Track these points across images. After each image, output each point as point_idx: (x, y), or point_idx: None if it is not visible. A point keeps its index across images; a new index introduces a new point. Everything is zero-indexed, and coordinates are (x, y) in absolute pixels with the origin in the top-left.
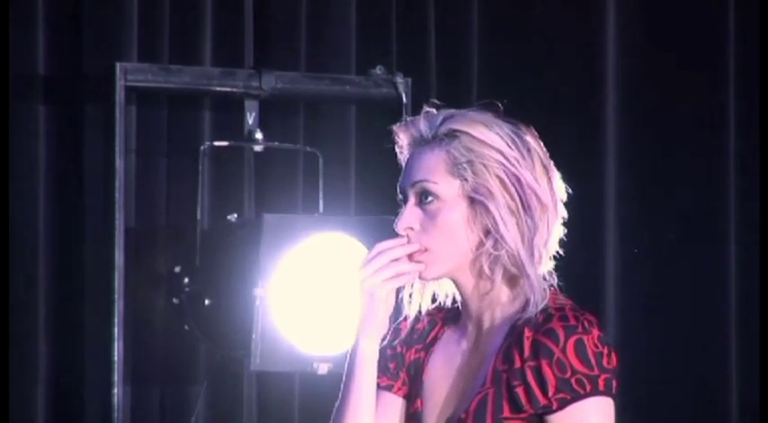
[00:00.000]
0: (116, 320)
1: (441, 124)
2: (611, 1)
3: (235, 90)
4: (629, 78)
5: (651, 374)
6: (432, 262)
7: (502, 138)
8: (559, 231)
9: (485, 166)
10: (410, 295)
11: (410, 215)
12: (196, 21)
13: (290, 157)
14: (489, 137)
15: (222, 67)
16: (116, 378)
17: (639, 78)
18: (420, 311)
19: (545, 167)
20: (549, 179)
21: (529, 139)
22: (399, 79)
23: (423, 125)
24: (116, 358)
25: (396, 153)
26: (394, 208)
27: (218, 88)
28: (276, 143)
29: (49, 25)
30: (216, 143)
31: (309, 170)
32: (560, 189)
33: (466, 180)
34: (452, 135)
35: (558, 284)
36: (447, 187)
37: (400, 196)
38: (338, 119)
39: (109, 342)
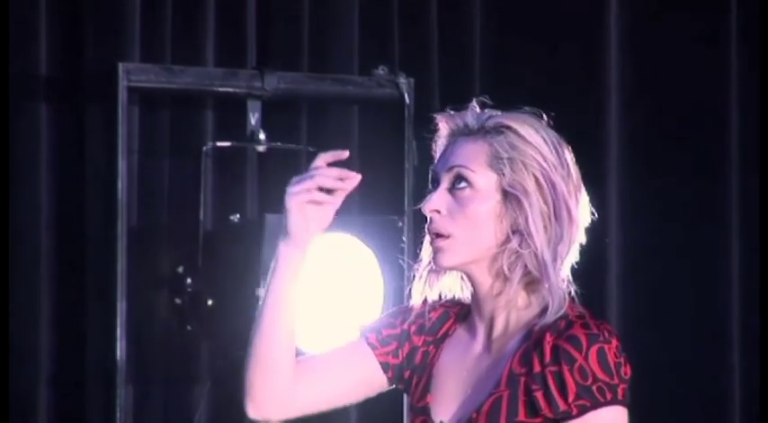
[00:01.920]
0: (119, 321)
1: (489, 118)
2: (613, 27)
3: (237, 90)
4: (631, 77)
5: (652, 377)
6: (452, 249)
7: (546, 142)
8: (575, 254)
9: (525, 165)
10: (421, 284)
11: (439, 199)
12: (198, 21)
13: (292, 158)
14: (535, 138)
15: (225, 68)
16: (119, 378)
17: (642, 76)
18: (440, 298)
19: (577, 186)
20: (578, 200)
21: (568, 154)
22: (402, 80)
23: (470, 117)
24: (119, 358)
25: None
26: (397, 208)
27: (220, 89)
28: (279, 143)
29: (51, 25)
30: (218, 144)
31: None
32: (586, 213)
33: (503, 175)
34: (499, 129)
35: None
36: (483, 178)
37: (431, 185)
38: (341, 119)
39: (112, 342)
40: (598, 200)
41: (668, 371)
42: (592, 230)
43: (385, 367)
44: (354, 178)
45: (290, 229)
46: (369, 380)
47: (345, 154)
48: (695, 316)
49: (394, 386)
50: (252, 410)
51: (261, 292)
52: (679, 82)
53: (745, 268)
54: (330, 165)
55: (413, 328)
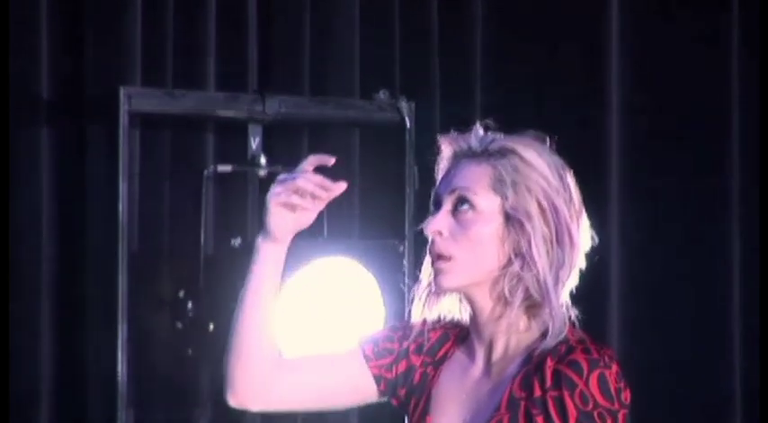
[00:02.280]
0: (120, 344)
1: (492, 141)
2: (614, 27)
3: (238, 115)
4: (632, 102)
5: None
6: (453, 271)
7: (549, 166)
8: (576, 278)
9: (528, 188)
10: (421, 305)
11: (442, 220)
12: (200, 45)
13: None
14: (538, 162)
15: (226, 92)
16: (120, 402)
17: (642, 87)
18: (439, 319)
19: (579, 211)
20: (580, 224)
21: (570, 178)
22: (403, 103)
23: (473, 139)
24: (120, 382)
25: (397, 176)
26: (397, 232)
27: (221, 113)
28: (280, 167)
29: (52, 50)
30: (220, 167)
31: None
32: (587, 238)
33: (506, 198)
34: (502, 152)
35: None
36: (486, 201)
37: (432, 207)
38: (342, 143)
39: (113, 366)
40: (599, 223)
41: (668, 397)
42: (592, 255)
43: (378, 379)
44: (334, 188)
45: (269, 227)
46: (358, 388)
47: (331, 160)
48: (696, 340)
49: (386, 399)
50: (230, 398)
51: None
52: (679, 87)
53: (746, 270)
54: (316, 169)
55: (411, 347)
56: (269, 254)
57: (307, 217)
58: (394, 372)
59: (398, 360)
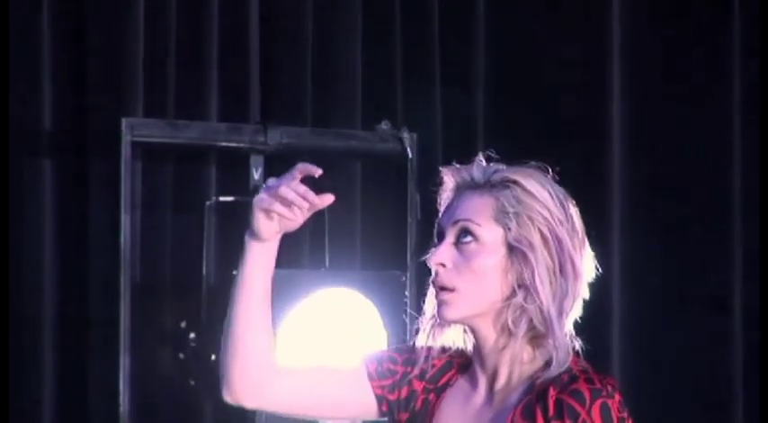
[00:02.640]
0: (122, 375)
1: (495, 172)
2: (616, 62)
3: (241, 145)
4: (633, 135)
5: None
6: (457, 303)
7: (552, 197)
8: (579, 309)
9: (531, 219)
10: (425, 336)
11: (445, 252)
12: (202, 76)
13: None
14: (541, 193)
15: (228, 123)
16: None
17: (644, 127)
18: (444, 348)
19: (582, 241)
20: (583, 254)
21: (573, 209)
22: (405, 134)
23: (476, 171)
24: (122, 413)
25: (398, 207)
26: (399, 263)
27: (224, 143)
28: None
29: (54, 79)
30: (222, 198)
31: (315, 225)
32: (590, 268)
33: (509, 229)
34: (505, 184)
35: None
36: (489, 232)
37: (435, 239)
38: (344, 174)
39: (115, 397)
40: (601, 253)
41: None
42: (595, 285)
43: (379, 399)
44: (316, 201)
45: (256, 228)
46: (359, 403)
47: (318, 171)
48: (697, 373)
49: (385, 419)
50: (225, 394)
51: None
52: (680, 133)
53: (747, 319)
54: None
55: (415, 372)
56: (257, 252)
57: (292, 222)
58: (396, 395)
59: (401, 383)
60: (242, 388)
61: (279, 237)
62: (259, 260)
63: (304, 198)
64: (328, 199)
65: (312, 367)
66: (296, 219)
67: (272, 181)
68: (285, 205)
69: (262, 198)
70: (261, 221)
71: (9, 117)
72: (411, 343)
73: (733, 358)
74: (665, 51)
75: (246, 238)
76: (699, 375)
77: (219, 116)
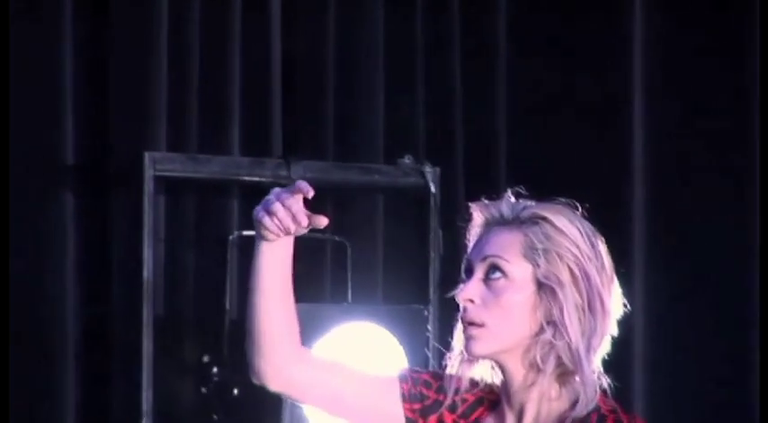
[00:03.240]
0: (144, 410)
1: (524, 209)
2: (637, 94)
3: (263, 179)
4: (657, 168)
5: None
6: (485, 338)
7: (581, 234)
8: (607, 346)
9: (559, 255)
10: (448, 381)
11: (473, 288)
12: (224, 110)
13: (317, 247)
14: (570, 229)
15: (251, 157)
16: None
17: (667, 166)
18: (476, 382)
19: (610, 278)
20: (611, 291)
21: (601, 245)
22: (428, 169)
23: (504, 207)
24: None
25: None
26: (422, 297)
27: (246, 178)
28: (304, 232)
29: (77, 114)
30: (244, 233)
31: (337, 259)
32: (618, 305)
33: (538, 266)
34: (534, 220)
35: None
36: (518, 268)
37: (464, 274)
38: (366, 208)
39: None
40: (625, 291)
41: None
42: (622, 322)
43: (409, 422)
44: (303, 222)
45: (263, 235)
46: (383, 415)
47: (310, 193)
48: (720, 410)
49: None
50: (251, 376)
51: None
52: (704, 174)
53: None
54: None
55: (446, 402)
56: (265, 248)
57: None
58: (423, 421)
59: (430, 410)
60: (264, 371)
61: (287, 237)
62: (268, 254)
63: (294, 217)
64: (322, 221)
65: (341, 366)
66: (280, 235)
67: (275, 191)
68: (273, 220)
69: (257, 209)
70: (259, 230)
71: (32, 151)
72: (444, 371)
73: (753, 395)
74: (688, 88)
75: (256, 241)
76: (721, 412)
77: (242, 150)
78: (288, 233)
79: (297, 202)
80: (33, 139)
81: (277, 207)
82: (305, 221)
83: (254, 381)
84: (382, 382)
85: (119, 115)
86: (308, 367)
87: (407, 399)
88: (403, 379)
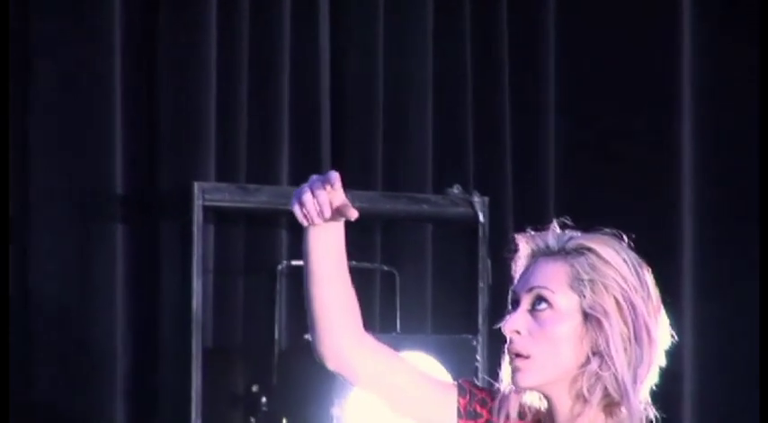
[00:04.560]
0: None
1: (570, 239)
2: (686, 129)
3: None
4: (705, 200)
5: None
6: (531, 370)
7: (627, 264)
8: (655, 376)
9: (605, 286)
10: (499, 403)
11: (519, 319)
12: (273, 140)
13: (367, 276)
14: (615, 260)
15: (299, 187)
16: None
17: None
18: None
19: (657, 308)
20: (658, 321)
21: (648, 275)
22: (476, 198)
23: (550, 238)
24: None
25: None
26: (470, 327)
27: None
28: (353, 262)
29: (126, 144)
30: (293, 262)
31: (386, 289)
32: (665, 335)
33: (584, 296)
34: (580, 251)
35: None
36: (564, 299)
37: (510, 306)
38: (415, 238)
39: None
40: (674, 320)
41: None
42: (668, 352)
43: None
44: (326, 215)
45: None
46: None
47: (336, 184)
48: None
49: None
50: (313, 352)
51: (336, 411)
52: (748, 201)
53: None
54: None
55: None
56: (310, 235)
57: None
58: None
59: None
60: (321, 352)
61: (331, 222)
62: (313, 240)
63: (321, 209)
64: (352, 214)
65: (404, 360)
66: (311, 223)
67: (313, 178)
68: (301, 210)
69: (295, 192)
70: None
71: (82, 180)
72: (501, 392)
73: None
74: (735, 114)
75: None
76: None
77: (290, 180)
78: (313, 223)
79: (324, 193)
80: (84, 169)
81: (306, 197)
82: (327, 214)
83: (316, 357)
84: (440, 389)
85: (168, 145)
86: (367, 354)
87: (462, 414)
88: (461, 392)
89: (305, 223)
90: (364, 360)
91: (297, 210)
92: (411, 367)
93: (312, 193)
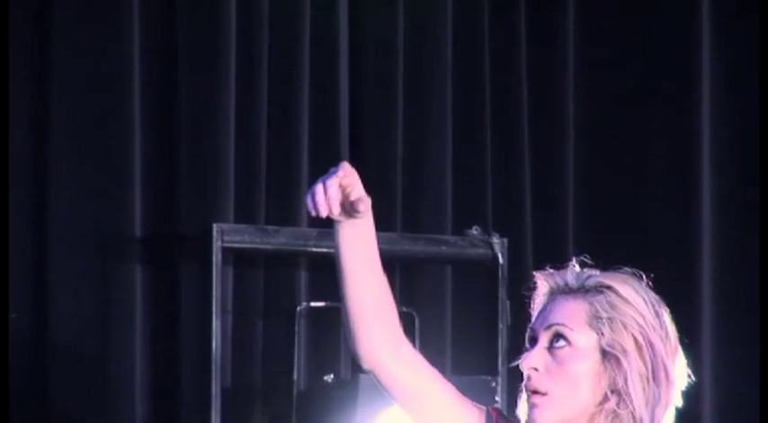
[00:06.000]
0: None
1: (589, 277)
2: (705, 161)
3: (331, 250)
4: (725, 237)
5: None
6: (549, 407)
7: (645, 303)
8: (671, 418)
9: (624, 324)
10: None
11: (537, 356)
12: (292, 181)
13: None
14: (635, 298)
15: (318, 228)
16: None
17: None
18: None
19: (675, 348)
20: (675, 361)
21: (666, 315)
22: (495, 240)
23: (569, 276)
24: None
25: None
26: (490, 368)
27: (314, 249)
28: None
29: (146, 185)
30: (313, 304)
31: (405, 330)
32: (683, 375)
33: (603, 335)
34: (599, 289)
35: None
36: (583, 337)
37: (528, 343)
38: (434, 279)
39: None
40: (692, 361)
41: None
42: (687, 393)
43: None
44: (334, 211)
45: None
46: None
47: (344, 177)
48: None
49: None
50: (350, 348)
51: None
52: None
53: None
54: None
55: None
56: (338, 230)
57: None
58: None
59: None
60: (355, 350)
61: (354, 216)
62: (340, 235)
63: (327, 203)
64: (360, 206)
65: (439, 375)
66: (315, 214)
67: (332, 170)
68: (311, 199)
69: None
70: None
71: (101, 222)
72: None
73: None
74: (752, 156)
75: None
76: None
77: (309, 221)
78: (321, 215)
79: (335, 187)
80: (103, 210)
81: (318, 189)
82: (336, 209)
83: (350, 350)
84: (467, 409)
85: (187, 187)
86: (401, 359)
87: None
88: (489, 420)
89: (313, 214)
90: (399, 365)
91: (309, 203)
92: (444, 386)
93: (324, 185)
